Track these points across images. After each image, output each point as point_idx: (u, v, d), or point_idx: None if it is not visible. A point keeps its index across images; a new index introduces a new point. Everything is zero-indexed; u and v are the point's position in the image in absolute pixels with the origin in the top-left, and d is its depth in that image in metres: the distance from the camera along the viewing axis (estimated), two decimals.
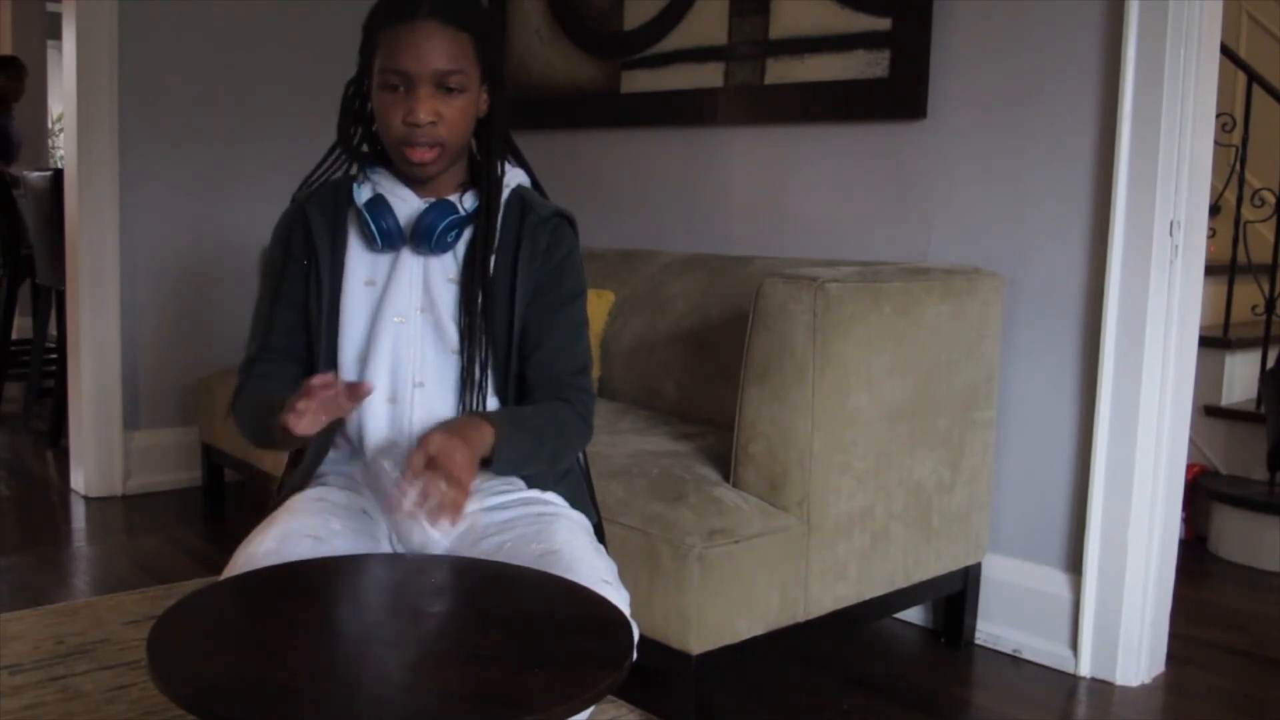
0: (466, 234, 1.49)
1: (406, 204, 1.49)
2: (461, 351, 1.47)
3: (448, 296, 1.48)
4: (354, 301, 1.49)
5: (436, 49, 1.40)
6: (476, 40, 1.44)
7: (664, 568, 1.92)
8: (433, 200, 1.49)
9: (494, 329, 1.48)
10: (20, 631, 2.38)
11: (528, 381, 1.50)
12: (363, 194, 1.49)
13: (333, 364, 1.48)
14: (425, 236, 1.45)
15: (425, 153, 1.42)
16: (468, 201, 1.50)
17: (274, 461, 2.82)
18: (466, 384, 1.47)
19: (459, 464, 1.27)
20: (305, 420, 1.28)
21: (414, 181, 1.49)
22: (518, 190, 1.53)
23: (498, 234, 1.49)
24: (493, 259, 1.48)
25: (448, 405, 1.48)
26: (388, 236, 1.46)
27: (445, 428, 1.33)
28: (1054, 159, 2.41)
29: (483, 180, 1.50)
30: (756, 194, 2.99)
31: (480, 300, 1.46)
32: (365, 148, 1.53)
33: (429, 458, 1.26)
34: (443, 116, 1.41)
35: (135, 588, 2.71)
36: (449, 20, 1.41)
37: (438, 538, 1.32)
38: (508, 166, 1.54)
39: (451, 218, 1.46)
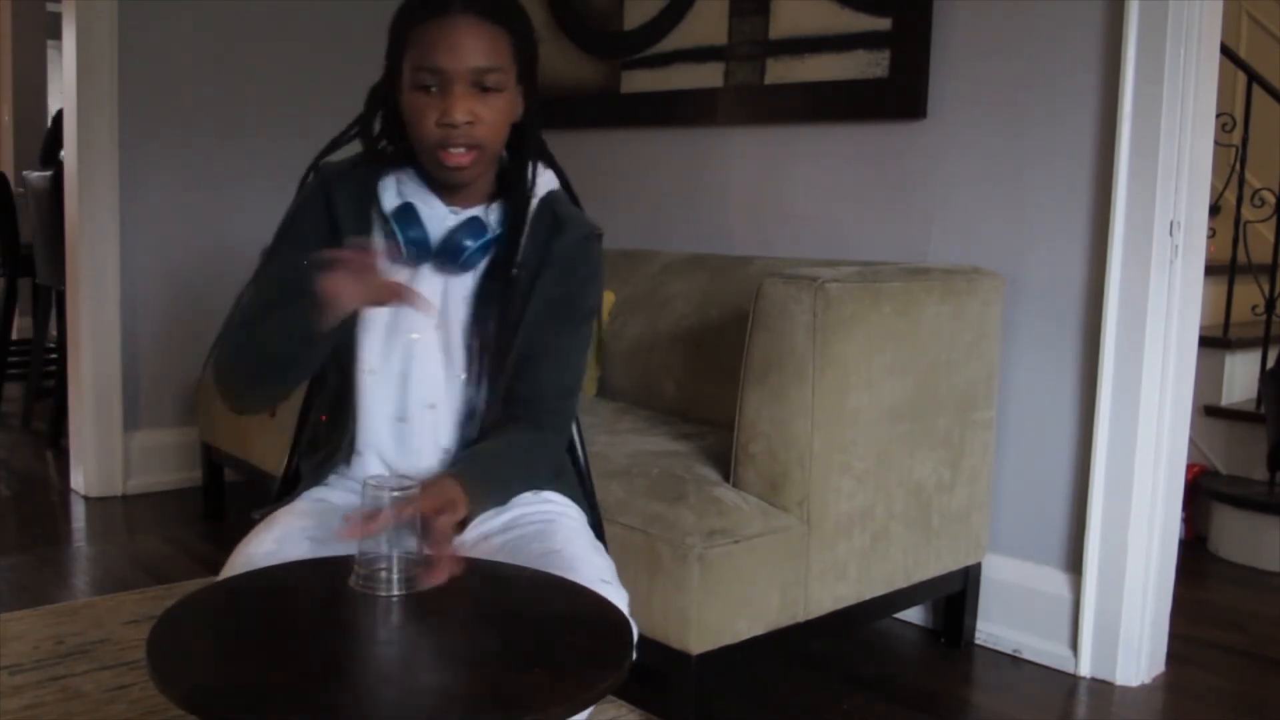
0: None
1: (434, 213, 1.41)
2: (469, 377, 1.40)
3: (462, 314, 1.42)
4: (374, 310, 1.39)
5: (474, 46, 1.31)
6: (514, 38, 1.36)
7: (664, 568, 1.92)
8: (460, 215, 1.41)
9: (503, 348, 1.41)
10: (20, 631, 2.38)
11: (513, 392, 1.42)
12: (389, 199, 1.42)
13: (341, 369, 1.44)
14: (453, 257, 1.39)
15: (462, 156, 1.34)
16: (495, 215, 1.43)
17: (274, 461, 2.82)
18: (469, 413, 1.41)
19: (440, 539, 1.21)
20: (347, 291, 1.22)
21: (443, 188, 1.42)
22: (548, 199, 1.46)
23: (521, 251, 1.41)
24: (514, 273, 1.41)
25: (449, 431, 1.43)
26: (416, 252, 1.39)
27: (436, 496, 1.23)
28: (1054, 159, 2.41)
29: (512, 191, 1.42)
30: (756, 194, 2.99)
31: (493, 326, 1.39)
32: (388, 146, 1.44)
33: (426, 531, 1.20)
34: (480, 117, 1.33)
35: (135, 588, 2.71)
36: (486, 15, 1.33)
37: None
38: (539, 169, 1.46)
39: (483, 239, 1.39)
